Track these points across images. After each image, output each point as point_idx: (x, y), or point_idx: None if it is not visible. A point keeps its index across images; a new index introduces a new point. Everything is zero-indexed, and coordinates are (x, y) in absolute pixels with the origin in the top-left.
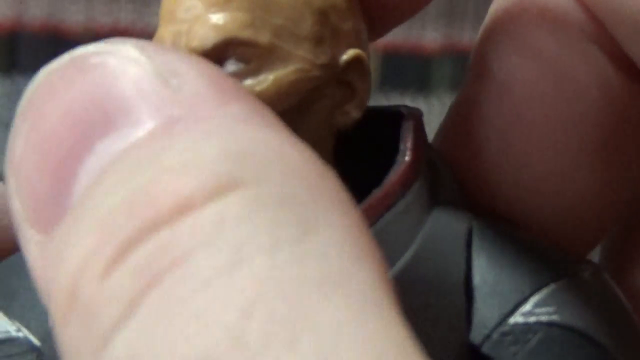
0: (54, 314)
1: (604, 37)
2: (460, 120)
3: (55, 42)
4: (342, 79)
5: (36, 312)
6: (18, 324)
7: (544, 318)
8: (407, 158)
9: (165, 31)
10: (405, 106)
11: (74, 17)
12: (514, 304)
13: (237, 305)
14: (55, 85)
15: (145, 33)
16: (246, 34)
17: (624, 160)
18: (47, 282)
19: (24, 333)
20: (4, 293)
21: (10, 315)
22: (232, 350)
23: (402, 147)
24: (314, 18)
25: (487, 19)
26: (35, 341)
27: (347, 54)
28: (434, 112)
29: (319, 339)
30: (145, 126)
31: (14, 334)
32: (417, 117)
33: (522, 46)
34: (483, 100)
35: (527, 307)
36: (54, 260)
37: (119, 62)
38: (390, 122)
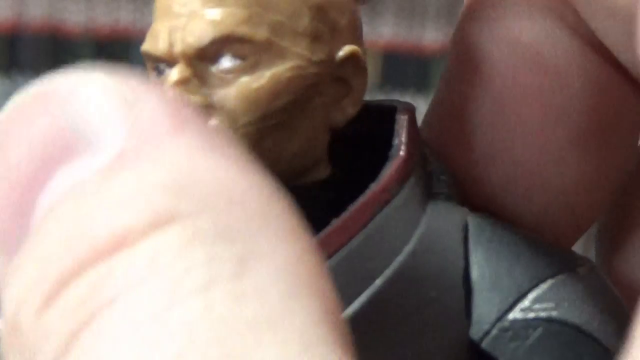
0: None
1: (582, 26)
2: (445, 113)
3: (55, 42)
4: (338, 75)
5: None
6: None
7: (542, 314)
8: (401, 153)
9: (160, 26)
10: (398, 101)
11: (74, 17)
12: (512, 299)
13: (168, 352)
14: (19, 116)
15: (145, 33)
16: (243, 30)
17: (609, 148)
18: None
19: None
20: None
21: None
22: None
23: (396, 141)
24: (312, 14)
25: (465, 6)
26: None
27: (344, 50)
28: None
29: None
30: (100, 157)
31: None
32: (410, 111)
33: (501, 36)
34: (466, 91)
35: (525, 302)
36: (5, 288)
37: (83, 91)
38: (382, 116)
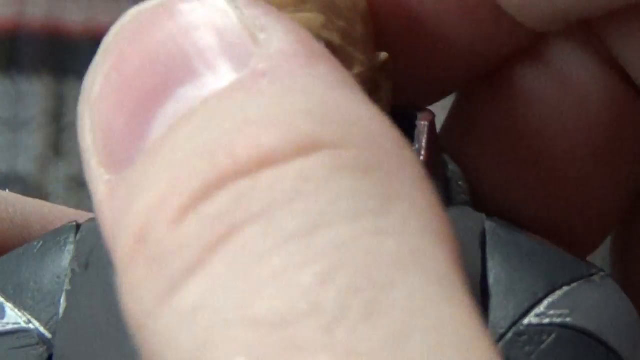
0: (118, 257)
1: (596, 41)
2: (463, 121)
3: (55, 41)
4: (376, 81)
5: (46, 304)
6: (28, 316)
7: (557, 320)
8: (421, 158)
9: None
10: (418, 107)
11: (74, 17)
12: (528, 305)
13: (316, 270)
14: (141, 27)
15: None
16: (325, 34)
17: (626, 161)
18: (113, 222)
19: (35, 325)
20: (14, 284)
21: (20, 306)
22: (307, 315)
23: (416, 146)
24: (362, 21)
25: None
26: (47, 333)
27: (381, 56)
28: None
29: (393, 315)
30: (227, 77)
31: (23, 325)
32: (430, 118)
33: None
34: (486, 99)
35: (541, 308)
36: (123, 202)
37: (207, 11)
38: (402, 122)
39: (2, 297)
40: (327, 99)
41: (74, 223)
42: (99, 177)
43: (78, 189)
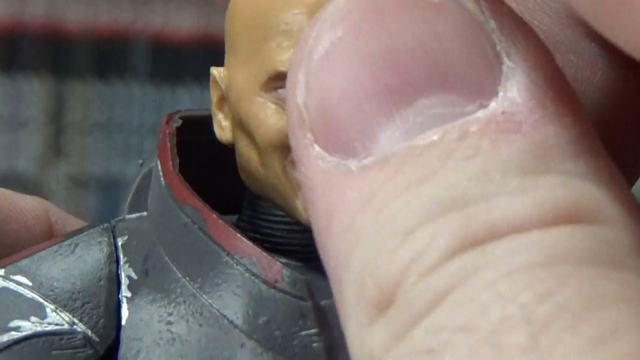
0: (323, 238)
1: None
2: None
3: (55, 41)
4: None
5: (91, 307)
6: (72, 317)
7: None
8: None
9: (283, 51)
10: None
11: (74, 17)
12: None
13: (537, 290)
14: (383, 8)
15: (145, 33)
16: None
17: (625, 150)
18: (326, 203)
19: (80, 328)
20: (51, 285)
21: (62, 307)
22: (518, 325)
23: None
24: None
25: None
26: (94, 337)
27: None
28: None
29: (595, 326)
30: (486, 107)
31: (67, 327)
32: None
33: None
34: None
35: None
36: (351, 207)
37: (460, 10)
38: None
39: (41, 297)
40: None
41: (107, 225)
42: (315, 155)
43: (77, 189)
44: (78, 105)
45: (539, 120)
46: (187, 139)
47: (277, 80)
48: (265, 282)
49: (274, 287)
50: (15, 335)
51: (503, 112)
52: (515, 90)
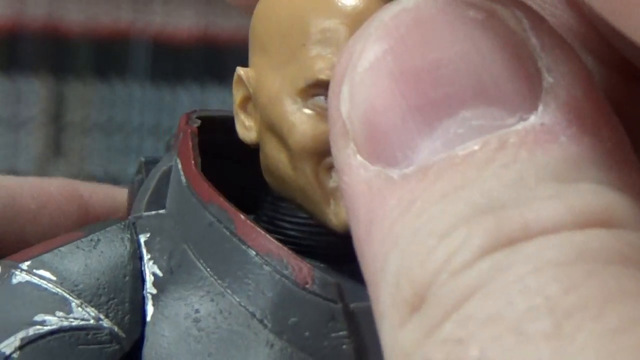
0: (363, 244)
1: (592, 39)
2: None
3: (55, 41)
4: None
5: (116, 303)
6: (98, 313)
7: None
8: None
9: (324, 60)
10: None
11: (74, 17)
12: None
13: (563, 284)
14: (428, 26)
15: (145, 33)
16: None
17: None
18: (366, 211)
19: (107, 323)
20: (75, 280)
21: (87, 303)
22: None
23: None
24: None
25: None
26: (121, 332)
27: None
28: None
29: (616, 317)
30: (525, 120)
31: (93, 322)
32: None
33: None
34: None
35: None
36: (391, 211)
37: (502, 27)
38: None
39: (65, 292)
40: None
41: (127, 222)
42: (356, 163)
43: None
44: (78, 105)
45: (576, 132)
46: (203, 138)
47: (316, 88)
48: (295, 283)
49: (304, 289)
50: (40, 329)
51: (542, 125)
52: (554, 105)
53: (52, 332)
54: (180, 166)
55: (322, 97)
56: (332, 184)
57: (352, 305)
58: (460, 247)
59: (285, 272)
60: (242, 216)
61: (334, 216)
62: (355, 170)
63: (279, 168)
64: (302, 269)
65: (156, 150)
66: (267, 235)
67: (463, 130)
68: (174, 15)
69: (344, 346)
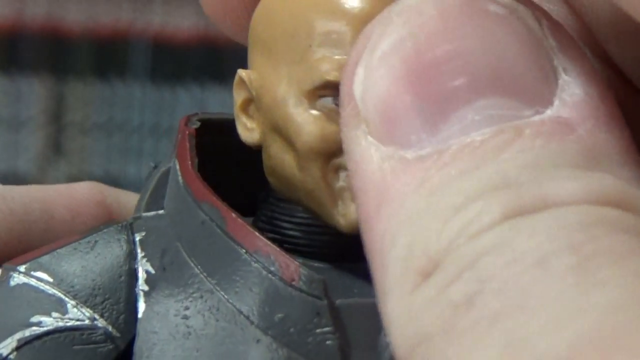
0: (371, 221)
1: (594, 44)
2: None
3: (55, 42)
4: None
5: (111, 303)
6: (93, 313)
7: None
8: None
9: (333, 61)
10: None
11: (74, 17)
12: None
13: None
14: (450, 15)
15: (145, 33)
16: None
17: None
18: (376, 189)
19: (101, 323)
20: (71, 281)
21: (83, 303)
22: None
23: None
24: None
25: None
26: (115, 332)
27: None
28: None
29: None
30: (541, 113)
31: (88, 322)
32: None
33: None
34: None
35: None
36: (404, 180)
37: (521, 24)
38: None
39: (62, 293)
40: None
41: (125, 223)
42: (368, 144)
43: None
44: (78, 105)
45: (591, 128)
46: (202, 141)
47: (323, 89)
48: (282, 280)
49: (291, 285)
50: (36, 330)
51: (558, 118)
52: (570, 101)
53: (47, 333)
54: (178, 167)
55: (329, 99)
56: (339, 184)
57: (337, 302)
58: (479, 215)
59: (272, 268)
60: (233, 214)
61: (341, 217)
62: (366, 150)
63: (285, 169)
64: (289, 266)
65: (156, 150)
66: (257, 233)
67: (480, 117)
68: (174, 15)
69: (329, 342)
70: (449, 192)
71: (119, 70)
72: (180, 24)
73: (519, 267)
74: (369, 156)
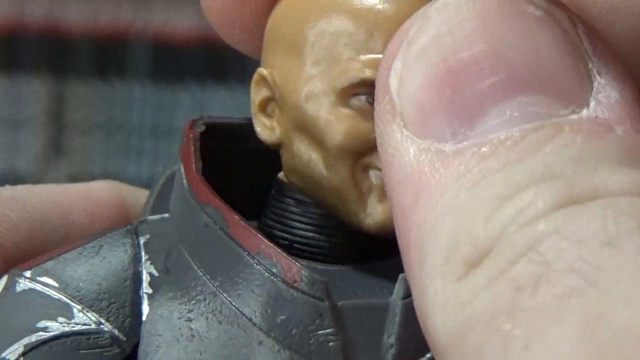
0: (407, 212)
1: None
2: None
3: (55, 42)
4: None
5: (117, 307)
6: (99, 317)
7: None
8: None
9: (362, 58)
10: None
11: (74, 17)
12: None
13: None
14: (488, 14)
15: (145, 33)
16: None
17: None
18: (413, 181)
19: (107, 327)
20: (77, 286)
21: (88, 308)
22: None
23: None
24: None
25: None
26: (121, 336)
27: None
28: None
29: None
30: (578, 113)
31: (94, 327)
32: None
33: None
34: None
35: None
36: (443, 172)
37: (557, 27)
38: None
39: (67, 297)
40: None
41: (129, 226)
42: (403, 138)
43: None
44: (78, 105)
45: (629, 128)
46: (207, 145)
47: (358, 87)
48: (284, 281)
49: (293, 287)
50: (43, 335)
51: (596, 118)
52: (607, 103)
53: (54, 338)
54: (182, 170)
55: (362, 97)
56: (368, 183)
57: (339, 303)
58: (530, 204)
59: (275, 270)
60: (235, 216)
61: (368, 216)
62: (401, 143)
63: (310, 168)
64: (291, 267)
65: (156, 150)
66: (259, 235)
67: (519, 113)
68: (174, 15)
69: (330, 343)
70: (494, 183)
71: (119, 70)
72: (180, 24)
73: (587, 249)
74: (405, 149)
